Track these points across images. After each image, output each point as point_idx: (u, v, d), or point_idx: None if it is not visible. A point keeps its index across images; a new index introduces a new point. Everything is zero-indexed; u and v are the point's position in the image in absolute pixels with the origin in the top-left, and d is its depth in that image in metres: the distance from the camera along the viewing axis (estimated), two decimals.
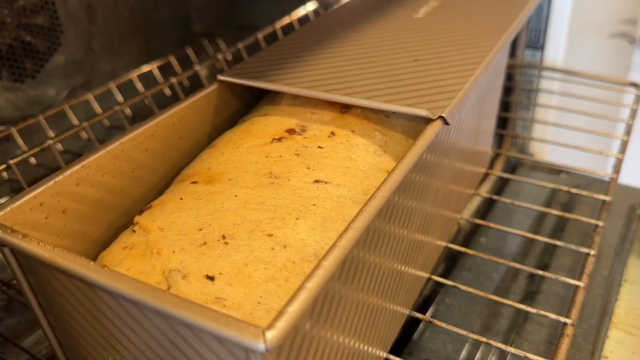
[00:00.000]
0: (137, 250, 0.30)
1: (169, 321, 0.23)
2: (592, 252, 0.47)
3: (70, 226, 0.32)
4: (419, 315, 0.43)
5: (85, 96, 0.63)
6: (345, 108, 0.39)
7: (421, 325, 0.50)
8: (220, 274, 0.28)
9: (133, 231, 0.32)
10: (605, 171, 0.57)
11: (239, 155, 0.35)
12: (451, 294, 0.54)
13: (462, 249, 0.50)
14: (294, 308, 0.22)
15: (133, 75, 0.69)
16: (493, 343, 0.41)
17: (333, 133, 0.37)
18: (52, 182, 0.30)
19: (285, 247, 0.30)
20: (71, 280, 0.26)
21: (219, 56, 0.66)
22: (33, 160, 0.59)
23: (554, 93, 0.74)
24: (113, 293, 0.24)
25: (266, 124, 0.38)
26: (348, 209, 0.33)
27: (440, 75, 0.39)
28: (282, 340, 0.21)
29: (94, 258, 0.32)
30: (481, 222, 0.53)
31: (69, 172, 0.31)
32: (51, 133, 0.59)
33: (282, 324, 0.21)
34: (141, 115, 0.71)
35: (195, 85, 0.67)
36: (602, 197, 0.53)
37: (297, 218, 0.31)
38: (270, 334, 0.21)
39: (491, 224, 0.53)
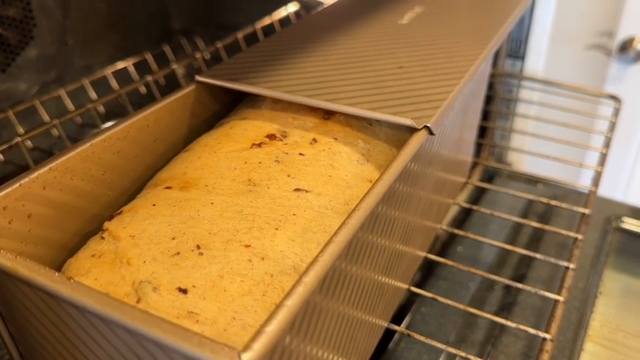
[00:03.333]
0: (106, 259, 0.28)
1: (138, 338, 0.22)
2: (571, 265, 0.46)
3: (35, 231, 0.30)
4: (395, 327, 0.43)
5: (57, 92, 0.60)
6: (327, 114, 0.38)
7: (396, 335, 0.49)
8: (193, 286, 0.26)
9: (102, 238, 0.30)
10: (580, 182, 0.57)
11: (216, 160, 0.34)
12: (427, 303, 0.53)
13: (440, 259, 0.49)
14: (273, 328, 0.21)
15: (108, 71, 0.67)
16: (469, 356, 0.40)
17: (314, 140, 0.36)
18: (16, 185, 0.29)
19: (262, 258, 0.28)
20: (34, 290, 0.24)
21: (197, 55, 0.65)
22: (0, 157, 0.56)
23: (534, 103, 0.74)
24: (79, 307, 0.23)
25: (245, 129, 0.37)
26: (329, 220, 0.32)
27: (425, 83, 0.38)
28: None
29: (61, 265, 0.31)
30: (458, 232, 0.53)
31: (35, 174, 0.29)
32: (20, 129, 0.56)
33: (260, 345, 0.20)
34: (114, 113, 0.69)
35: (171, 83, 0.66)
36: (582, 210, 0.53)
37: (276, 228, 0.30)
38: (247, 356, 0.20)
39: (469, 235, 0.53)
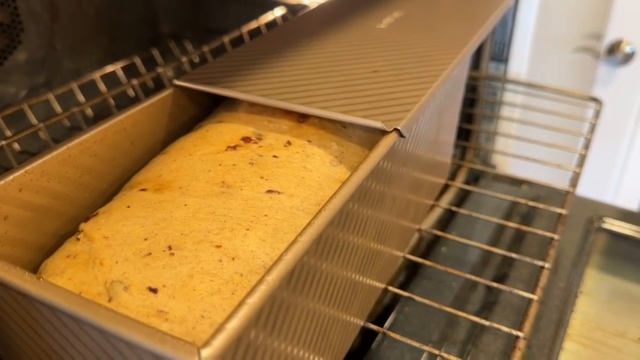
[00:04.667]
0: (80, 260, 0.29)
1: (106, 335, 0.23)
2: (546, 265, 0.47)
3: (12, 233, 0.31)
4: (374, 327, 0.43)
5: (45, 95, 0.61)
6: (302, 117, 0.39)
7: (379, 335, 0.50)
8: (164, 286, 0.27)
9: (78, 239, 0.31)
10: (566, 183, 0.58)
11: (191, 163, 0.35)
12: (410, 303, 0.54)
13: (421, 260, 0.50)
14: (233, 325, 0.22)
15: (96, 75, 0.67)
16: (447, 356, 0.41)
17: (289, 143, 0.37)
18: None
19: (233, 258, 0.29)
20: (7, 290, 0.25)
21: (184, 59, 0.66)
22: None
23: (517, 106, 0.74)
24: (49, 306, 0.23)
25: (221, 132, 0.37)
26: (301, 220, 0.32)
27: (398, 87, 0.39)
28: (220, 357, 0.21)
29: (38, 266, 0.31)
30: (440, 233, 0.54)
31: (11, 177, 0.30)
32: (8, 133, 0.57)
33: (219, 342, 0.21)
34: (103, 117, 0.70)
35: (160, 87, 0.66)
36: (559, 210, 0.54)
37: (248, 229, 0.31)
38: (206, 353, 0.20)
39: (450, 236, 0.53)
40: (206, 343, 0.21)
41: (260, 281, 0.24)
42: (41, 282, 0.23)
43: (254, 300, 0.23)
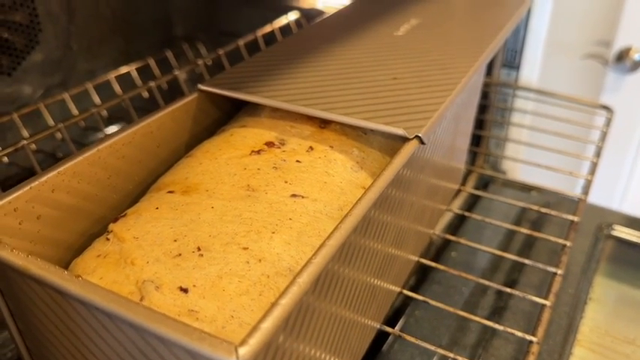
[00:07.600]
0: (111, 259, 0.30)
1: (142, 333, 0.23)
2: (559, 271, 0.48)
3: (44, 232, 0.31)
4: (388, 329, 0.44)
5: (61, 95, 0.62)
6: (324, 123, 0.40)
7: (390, 338, 0.51)
8: (194, 286, 0.28)
9: (107, 239, 0.31)
10: (575, 190, 0.59)
11: (217, 166, 0.36)
12: (421, 307, 0.54)
13: (433, 264, 0.50)
14: (268, 325, 0.22)
15: (111, 76, 0.68)
16: (460, 358, 0.42)
17: (311, 148, 0.37)
18: (27, 188, 0.30)
19: (260, 260, 0.30)
20: (44, 288, 0.26)
21: (199, 62, 0.66)
22: (5, 159, 0.58)
23: (528, 113, 0.75)
24: (86, 304, 0.24)
25: (245, 136, 0.38)
26: (324, 224, 0.33)
27: (418, 94, 0.39)
28: (255, 356, 0.22)
29: (67, 265, 0.32)
30: (452, 237, 0.54)
31: (44, 178, 0.31)
32: (25, 132, 0.58)
33: (255, 340, 0.21)
34: (117, 117, 0.71)
35: (173, 89, 0.67)
36: (571, 217, 0.55)
37: (273, 232, 0.31)
38: (243, 351, 0.21)
39: (461, 240, 0.54)
40: (243, 342, 0.21)
41: (292, 283, 0.24)
42: (80, 281, 0.24)
43: (287, 301, 0.23)
